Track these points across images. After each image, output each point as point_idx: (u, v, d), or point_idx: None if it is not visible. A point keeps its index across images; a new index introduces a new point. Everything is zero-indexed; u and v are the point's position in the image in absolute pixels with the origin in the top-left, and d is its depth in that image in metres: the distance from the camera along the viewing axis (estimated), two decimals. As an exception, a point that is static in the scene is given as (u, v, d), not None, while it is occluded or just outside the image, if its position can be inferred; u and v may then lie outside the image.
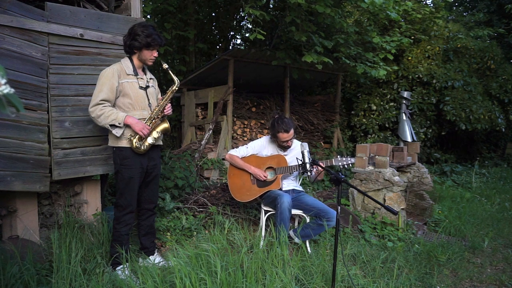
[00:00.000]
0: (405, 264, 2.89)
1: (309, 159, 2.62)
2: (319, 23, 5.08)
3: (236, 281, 2.11)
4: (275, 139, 3.14)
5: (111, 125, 2.43)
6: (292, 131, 3.04)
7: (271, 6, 6.87)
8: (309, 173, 2.67)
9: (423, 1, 9.20)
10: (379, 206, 3.75)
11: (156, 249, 2.87)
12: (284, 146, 3.12)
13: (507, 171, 7.51)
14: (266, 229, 3.11)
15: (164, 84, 6.84)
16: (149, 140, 2.55)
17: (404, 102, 6.64)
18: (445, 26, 7.79)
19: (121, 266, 2.51)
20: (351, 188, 4.00)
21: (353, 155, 5.49)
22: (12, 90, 0.73)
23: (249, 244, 2.69)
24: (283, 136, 3.02)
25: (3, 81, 0.73)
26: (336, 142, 6.98)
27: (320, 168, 2.76)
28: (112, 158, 2.67)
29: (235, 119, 5.80)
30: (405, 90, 7.01)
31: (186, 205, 3.84)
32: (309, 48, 4.81)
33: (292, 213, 2.95)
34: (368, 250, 3.06)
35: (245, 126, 6.01)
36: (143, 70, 2.66)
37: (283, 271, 2.28)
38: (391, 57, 5.86)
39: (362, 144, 4.03)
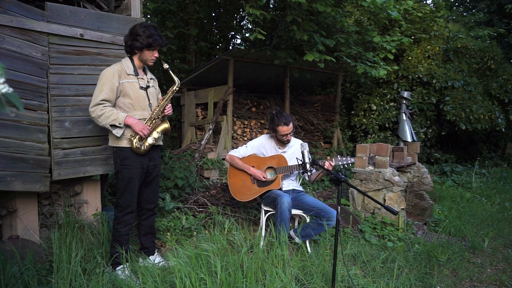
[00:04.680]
0: (405, 264, 2.89)
1: (309, 159, 2.62)
2: (320, 22, 5.08)
3: (236, 281, 2.11)
4: (274, 135, 3.14)
5: (111, 125, 2.43)
6: (291, 125, 3.04)
7: (271, 6, 6.87)
8: (309, 173, 2.67)
9: (423, 1, 9.20)
10: (379, 206, 3.75)
11: (156, 249, 2.87)
12: (283, 141, 3.12)
13: (507, 171, 7.51)
14: (266, 229, 3.11)
15: (164, 84, 6.85)
16: (149, 140, 2.54)
17: (404, 102, 6.65)
18: (445, 26, 7.79)
19: (121, 266, 2.51)
20: (351, 188, 4.00)
21: (353, 155, 5.49)
22: (11, 89, 0.73)
23: (249, 244, 2.68)
24: (282, 129, 3.02)
25: (2, 80, 0.73)
26: (336, 142, 6.98)
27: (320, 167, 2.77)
28: (112, 158, 2.68)
29: (235, 119, 5.80)
30: (405, 90, 7.01)
31: (186, 205, 3.84)
32: (310, 47, 4.82)
33: (292, 213, 2.95)
34: (368, 250, 3.06)
35: (245, 126, 6.01)
36: (144, 70, 2.66)
37: (283, 271, 2.28)
38: (391, 57, 5.86)
39: (362, 144, 4.03)
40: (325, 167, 2.75)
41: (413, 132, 6.56)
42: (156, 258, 2.71)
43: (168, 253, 2.77)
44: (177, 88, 2.63)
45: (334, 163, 2.87)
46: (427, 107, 7.16)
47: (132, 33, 2.49)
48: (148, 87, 2.61)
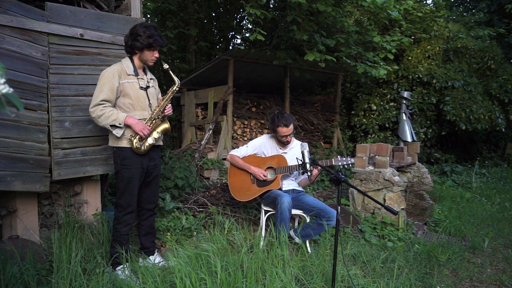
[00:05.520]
0: (405, 264, 2.89)
1: (309, 159, 2.62)
2: (320, 22, 5.08)
3: (236, 281, 2.11)
4: (274, 135, 3.15)
5: (111, 126, 2.43)
6: (291, 127, 3.04)
7: (271, 6, 6.87)
8: (309, 173, 2.67)
9: (423, 1, 9.20)
10: (379, 206, 3.75)
11: (156, 249, 2.87)
12: (283, 142, 3.13)
13: (507, 171, 7.51)
14: (266, 229, 3.11)
15: (164, 84, 6.85)
16: (150, 141, 2.54)
17: (404, 102, 6.65)
18: (445, 26, 7.79)
19: (121, 266, 2.51)
20: (351, 188, 4.00)
21: (353, 155, 5.48)
22: (11, 89, 0.73)
23: (249, 244, 2.68)
24: (282, 130, 3.03)
25: (2, 80, 0.73)
26: (336, 142, 6.97)
27: (316, 172, 2.80)
28: (112, 158, 2.67)
29: (235, 119, 5.80)
30: (405, 90, 7.01)
31: (186, 205, 3.84)
32: (310, 47, 4.82)
33: (292, 213, 2.95)
34: (368, 250, 3.06)
35: (245, 126, 6.01)
36: (144, 70, 2.66)
37: (283, 271, 2.28)
38: (391, 57, 5.86)
39: (362, 144, 4.03)
40: (314, 174, 2.78)
41: (413, 132, 6.56)
42: (156, 258, 2.71)
43: (168, 253, 2.77)
44: (177, 88, 2.63)
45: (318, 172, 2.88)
46: (427, 107, 7.16)
47: (133, 33, 2.49)
48: (148, 87, 2.61)
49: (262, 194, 3.09)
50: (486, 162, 8.28)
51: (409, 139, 6.31)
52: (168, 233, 3.28)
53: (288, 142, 3.15)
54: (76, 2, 3.11)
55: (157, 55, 2.57)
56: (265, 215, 3.11)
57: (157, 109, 2.56)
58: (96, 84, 2.49)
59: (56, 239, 2.51)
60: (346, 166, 2.90)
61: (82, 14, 2.82)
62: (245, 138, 5.94)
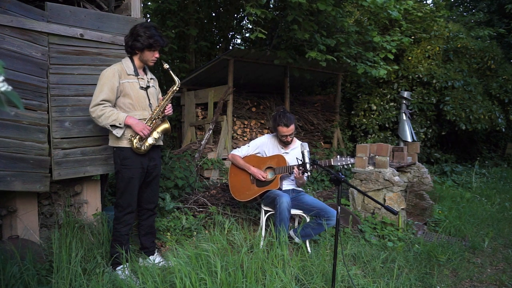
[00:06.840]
0: (405, 264, 2.89)
1: (309, 159, 2.62)
2: (320, 22, 5.08)
3: (236, 281, 2.11)
4: (275, 133, 3.15)
5: (111, 126, 2.43)
6: (292, 127, 3.05)
7: (271, 6, 6.87)
8: (308, 173, 2.67)
9: (423, 1, 9.20)
10: (379, 206, 3.75)
11: (156, 249, 2.87)
12: (283, 142, 3.13)
13: (507, 171, 7.51)
14: (266, 229, 3.11)
15: (164, 84, 6.84)
16: (150, 141, 2.54)
17: (404, 102, 6.65)
18: (445, 26, 7.79)
19: (121, 266, 2.51)
20: (351, 188, 4.00)
21: (353, 155, 5.47)
22: (10, 87, 0.73)
23: (249, 244, 2.68)
24: (282, 130, 3.04)
25: (1, 78, 0.73)
26: (336, 142, 6.97)
27: (296, 173, 2.83)
28: (112, 158, 2.68)
29: (235, 119, 5.80)
30: (405, 90, 7.01)
31: (186, 205, 3.84)
32: (311, 47, 4.82)
33: (292, 213, 2.95)
34: (368, 250, 3.06)
35: (245, 126, 6.01)
36: (144, 70, 2.66)
37: (283, 271, 2.28)
38: (392, 57, 5.86)
39: (362, 144, 4.03)
40: (295, 174, 2.85)
41: (413, 132, 6.56)
42: (156, 258, 2.71)
43: (168, 253, 2.77)
44: (177, 88, 2.63)
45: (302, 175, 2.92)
46: (427, 107, 7.16)
47: (133, 33, 2.49)
48: (148, 87, 2.61)
49: (261, 194, 3.10)
50: (486, 162, 8.28)
51: (409, 139, 6.31)
52: (168, 233, 3.28)
53: (289, 142, 3.15)
54: (76, 2, 3.11)
55: (157, 55, 2.57)
56: (265, 215, 3.11)
57: (157, 109, 2.56)
58: (96, 84, 2.49)
59: (56, 239, 2.51)
60: (346, 167, 2.89)
61: (82, 14, 2.82)
62: (245, 138, 5.94)
